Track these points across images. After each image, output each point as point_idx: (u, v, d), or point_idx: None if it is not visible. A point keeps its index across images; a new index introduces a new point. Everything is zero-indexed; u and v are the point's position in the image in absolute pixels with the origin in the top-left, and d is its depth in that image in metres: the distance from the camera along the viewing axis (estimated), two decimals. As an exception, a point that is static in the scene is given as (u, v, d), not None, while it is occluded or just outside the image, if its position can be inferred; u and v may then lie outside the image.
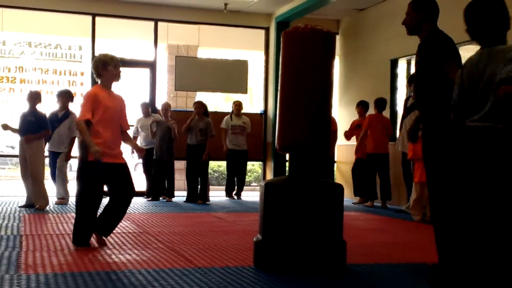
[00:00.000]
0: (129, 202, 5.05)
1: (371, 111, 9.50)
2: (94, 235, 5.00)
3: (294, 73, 4.11)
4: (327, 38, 4.13)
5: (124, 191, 4.99)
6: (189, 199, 9.51)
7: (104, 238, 5.01)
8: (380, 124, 9.13)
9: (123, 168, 4.99)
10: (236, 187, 10.27)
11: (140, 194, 10.17)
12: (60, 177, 8.38)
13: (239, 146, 9.99)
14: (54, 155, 8.40)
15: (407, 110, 8.34)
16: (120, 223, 6.47)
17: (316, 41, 4.07)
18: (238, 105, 10.15)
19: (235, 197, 10.15)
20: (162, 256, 4.51)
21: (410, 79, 8.43)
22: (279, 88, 4.26)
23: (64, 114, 8.42)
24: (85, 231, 4.88)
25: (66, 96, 8.48)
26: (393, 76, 10.00)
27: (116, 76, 5.02)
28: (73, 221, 6.56)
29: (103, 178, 4.92)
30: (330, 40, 4.15)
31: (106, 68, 4.94)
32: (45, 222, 6.48)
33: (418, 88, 4.15)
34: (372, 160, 9.17)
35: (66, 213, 7.41)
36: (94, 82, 10.31)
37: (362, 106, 9.75)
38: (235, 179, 10.27)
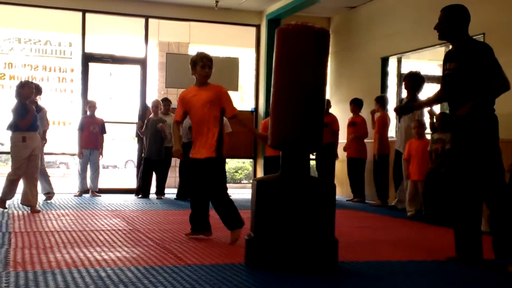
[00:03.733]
0: (214, 194, 5.12)
1: (367, 109, 9.45)
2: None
3: (287, 70, 4.10)
4: (321, 35, 4.12)
5: (206, 185, 5.13)
6: (179, 196, 9.52)
7: (231, 231, 5.12)
8: (387, 124, 9.05)
9: (205, 163, 5.05)
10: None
11: (131, 191, 10.17)
12: (41, 172, 8.27)
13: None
14: None
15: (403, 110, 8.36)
16: (110, 220, 6.47)
17: (310, 39, 4.06)
18: None
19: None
20: (152, 254, 4.49)
21: (405, 78, 8.46)
22: (272, 84, 4.25)
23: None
24: (196, 219, 5.28)
25: (34, 91, 8.21)
26: (384, 74, 10.01)
27: (204, 76, 5.17)
28: (61, 218, 6.59)
29: (195, 173, 5.15)
30: (324, 38, 4.14)
31: (195, 68, 5.15)
32: (34, 219, 6.43)
33: (457, 94, 4.41)
34: (384, 161, 9.02)
35: (56, 210, 7.37)
36: (84, 78, 10.37)
37: (354, 104, 9.74)
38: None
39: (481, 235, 4.40)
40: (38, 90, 8.35)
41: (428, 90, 11.51)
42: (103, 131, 9.89)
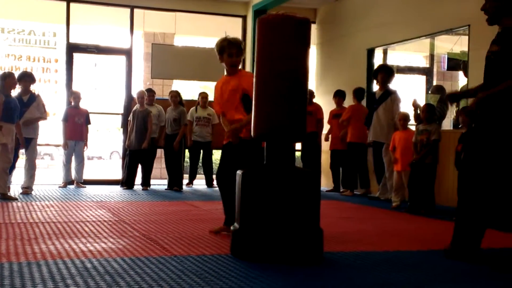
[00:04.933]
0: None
1: (350, 101, 9.55)
2: None
3: (268, 60, 4.11)
4: (301, 24, 4.11)
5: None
6: (170, 186, 9.67)
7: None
8: (362, 114, 9.17)
9: (239, 146, 4.89)
10: (205, 177, 10.35)
11: (116, 182, 10.13)
12: (30, 165, 8.22)
13: (203, 137, 9.97)
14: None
15: (376, 101, 8.46)
16: (95, 212, 6.44)
17: (290, 28, 4.06)
18: (204, 97, 10.12)
19: (191, 185, 10.20)
20: (138, 245, 4.48)
21: (376, 72, 8.55)
22: (254, 75, 4.25)
23: (29, 97, 8.20)
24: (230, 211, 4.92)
25: (27, 80, 8.19)
26: (370, 66, 10.03)
27: (230, 65, 4.96)
28: (46, 209, 6.55)
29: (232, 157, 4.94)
30: (305, 27, 4.14)
31: (222, 55, 4.96)
32: (18, 210, 6.39)
33: (495, 79, 4.04)
34: (352, 149, 9.22)
35: (40, 201, 7.33)
36: (69, 69, 10.28)
37: (339, 97, 9.80)
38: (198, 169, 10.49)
39: (484, 231, 4.18)
40: (31, 78, 8.27)
41: (414, 81, 11.58)
42: (88, 122, 9.81)
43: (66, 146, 9.60)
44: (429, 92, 8.83)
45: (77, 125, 9.66)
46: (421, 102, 8.20)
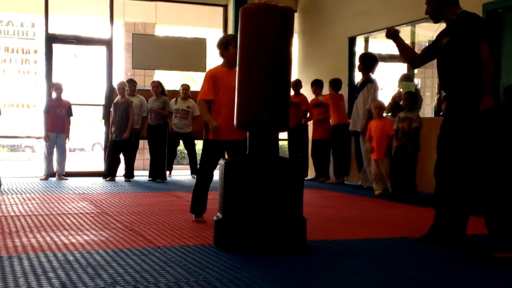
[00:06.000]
0: None
1: (326, 90, 9.61)
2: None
3: (251, 50, 4.09)
4: (285, 14, 4.10)
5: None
6: (152, 177, 9.67)
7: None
8: (341, 102, 9.34)
9: (240, 144, 5.02)
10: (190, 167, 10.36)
11: (98, 174, 10.07)
12: None
13: (181, 129, 9.95)
14: None
15: (357, 90, 8.53)
16: (77, 204, 6.40)
17: (273, 17, 4.04)
18: (185, 88, 10.08)
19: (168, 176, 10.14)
20: (120, 237, 4.46)
21: (359, 60, 8.60)
22: (237, 65, 4.23)
23: None
24: (201, 202, 5.23)
25: None
26: (351, 54, 10.05)
27: (235, 57, 4.97)
28: (27, 202, 6.49)
29: (220, 155, 5.13)
30: (288, 16, 4.13)
31: (227, 48, 5.10)
32: (-1, 204, 6.32)
33: (449, 69, 4.27)
34: (337, 132, 9.26)
35: (21, 194, 7.26)
36: (48, 60, 10.16)
37: (316, 86, 9.83)
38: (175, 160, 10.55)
39: (467, 219, 4.24)
40: None
41: (393, 69, 11.62)
42: (69, 113, 9.72)
43: (48, 138, 9.52)
44: (399, 81, 8.94)
45: (58, 117, 9.58)
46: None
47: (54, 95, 9.68)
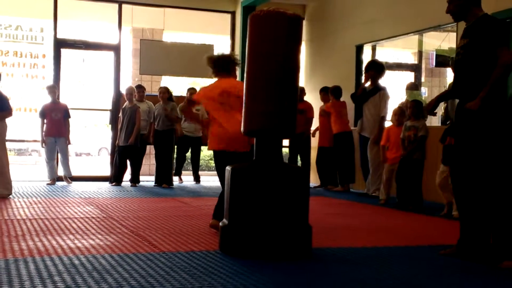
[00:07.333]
0: None
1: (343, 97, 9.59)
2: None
3: (259, 56, 4.09)
4: (294, 21, 4.11)
5: None
6: (158, 183, 9.62)
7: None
8: (344, 110, 9.35)
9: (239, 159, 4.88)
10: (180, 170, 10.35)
11: (105, 179, 10.08)
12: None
13: (193, 132, 9.93)
14: None
15: (365, 96, 8.53)
16: (83, 208, 6.41)
17: (282, 25, 4.05)
18: (193, 93, 9.97)
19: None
20: (126, 241, 4.47)
21: (367, 68, 8.62)
22: (245, 72, 4.24)
23: None
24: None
25: None
26: (359, 62, 10.04)
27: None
28: (33, 206, 6.50)
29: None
30: (296, 24, 4.14)
31: (235, 68, 5.21)
32: (5, 207, 6.34)
33: (464, 73, 4.12)
34: (339, 141, 9.24)
35: (28, 197, 7.28)
36: (56, 65, 10.20)
37: (325, 93, 9.83)
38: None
39: (489, 231, 4.05)
40: None
41: (400, 78, 11.63)
42: (66, 116, 9.47)
43: (44, 143, 9.39)
44: (406, 89, 8.97)
45: (54, 121, 9.33)
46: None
47: (48, 98, 9.43)
